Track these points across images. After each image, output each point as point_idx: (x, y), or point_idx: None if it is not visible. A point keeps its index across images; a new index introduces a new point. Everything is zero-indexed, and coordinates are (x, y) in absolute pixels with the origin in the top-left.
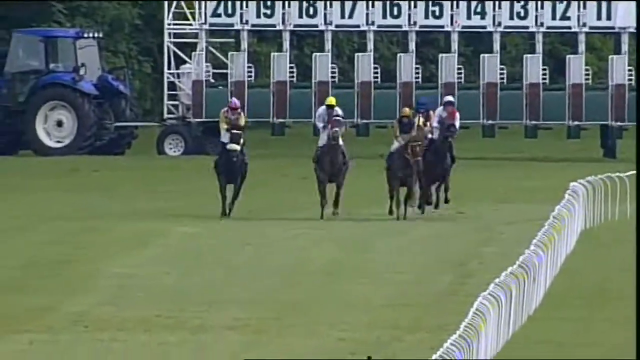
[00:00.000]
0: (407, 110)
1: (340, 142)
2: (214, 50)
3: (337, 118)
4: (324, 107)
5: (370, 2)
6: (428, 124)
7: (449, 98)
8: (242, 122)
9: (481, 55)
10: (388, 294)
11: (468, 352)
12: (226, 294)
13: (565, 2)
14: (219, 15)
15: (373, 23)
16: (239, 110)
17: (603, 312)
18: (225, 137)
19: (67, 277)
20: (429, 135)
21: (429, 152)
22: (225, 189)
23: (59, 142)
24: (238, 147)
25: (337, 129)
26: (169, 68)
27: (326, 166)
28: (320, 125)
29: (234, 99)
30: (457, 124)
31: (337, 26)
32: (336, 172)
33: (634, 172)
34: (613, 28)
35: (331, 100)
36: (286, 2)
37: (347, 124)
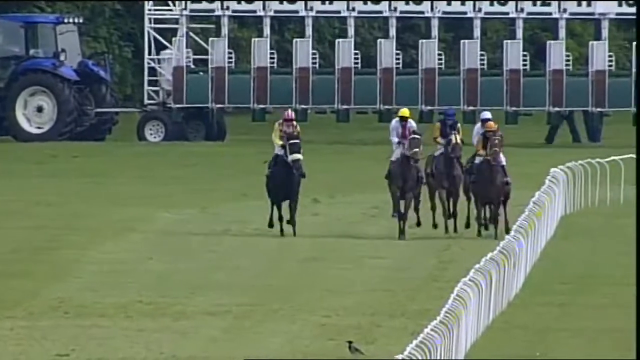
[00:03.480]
0: (492, 124)
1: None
2: (194, 36)
3: (416, 137)
4: (397, 119)
5: None
6: (458, 136)
7: (487, 115)
8: (297, 132)
9: (461, 41)
10: (370, 279)
11: (448, 337)
12: (209, 280)
13: None
14: (200, 1)
15: (354, 9)
16: (294, 122)
17: (583, 298)
18: (279, 150)
19: (51, 262)
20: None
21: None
22: (280, 207)
23: (39, 127)
24: (301, 157)
25: (417, 149)
26: (149, 54)
27: (399, 182)
28: (395, 140)
29: (289, 111)
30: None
31: (317, 12)
32: (408, 188)
33: (614, 157)
34: (593, 14)
35: (404, 112)
36: None
37: (422, 140)
